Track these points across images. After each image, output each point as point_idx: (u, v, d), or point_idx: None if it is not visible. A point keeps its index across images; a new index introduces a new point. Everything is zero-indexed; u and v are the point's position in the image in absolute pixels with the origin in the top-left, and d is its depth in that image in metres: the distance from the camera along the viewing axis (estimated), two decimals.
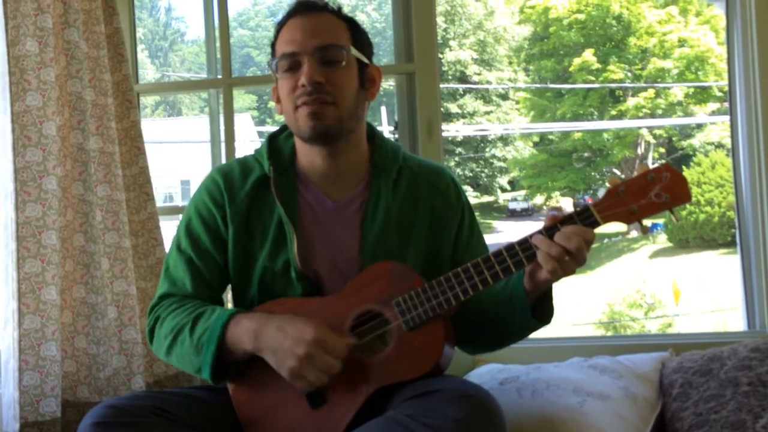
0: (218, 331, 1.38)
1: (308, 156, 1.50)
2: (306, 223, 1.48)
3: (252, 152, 1.58)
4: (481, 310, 1.47)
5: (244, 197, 1.50)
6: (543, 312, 1.40)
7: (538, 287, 1.36)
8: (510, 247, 1.34)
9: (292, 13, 1.48)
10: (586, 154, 19.46)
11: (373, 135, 1.56)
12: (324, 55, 1.42)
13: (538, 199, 21.89)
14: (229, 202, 1.50)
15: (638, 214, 1.30)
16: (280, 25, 1.49)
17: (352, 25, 1.49)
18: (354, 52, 1.46)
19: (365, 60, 1.49)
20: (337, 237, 1.48)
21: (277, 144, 1.56)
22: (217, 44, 2.20)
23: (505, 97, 22.58)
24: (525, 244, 1.33)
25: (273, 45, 1.50)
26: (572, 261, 1.29)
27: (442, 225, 1.52)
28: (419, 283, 1.38)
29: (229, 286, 1.56)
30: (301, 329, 1.32)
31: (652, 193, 1.29)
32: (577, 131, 18.95)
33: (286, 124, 1.56)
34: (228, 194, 1.50)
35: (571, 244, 1.28)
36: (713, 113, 18.40)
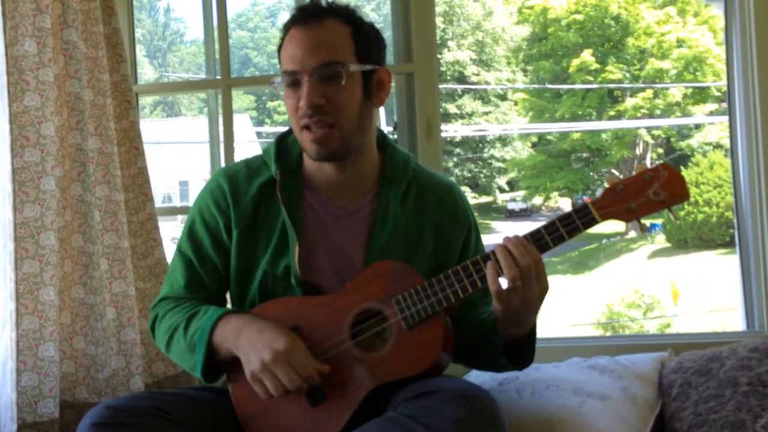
0: (208, 331, 1.39)
1: (316, 164, 1.49)
2: (310, 229, 1.48)
3: (259, 153, 1.57)
4: (468, 333, 1.48)
5: (249, 201, 1.49)
6: (517, 355, 1.42)
7: (502, 323, 1.36)
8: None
9: (294, 21, 1.43)
10: (584, 155, 19.47)
11: (385, 143, 1.54)
12: (323, 73, 1.39)
13: (537, 200, 21.90)
14: (234, 207, 1.49)
15: (637, 212, 1.31)
16: (284, 32, 1.45)
17: (356, 29, 1.43)
18: (354, 67, 1.41)
19: (370, 68, 1.44)
20: (341, 244, 1.48)
21: (286, 145, 1.55)
22: (216, 45, 2.20)
23: (503, 97, 22.59)
24: None
25: (279, 50, 1.46)
26: (522, 284, 1.29)
27: (447, 241, 1.52)
28: (419, 281, 1.38)
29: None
30: (276, 337, 1.33)
31: (650, 191, 1.30)
32: (576, 132, 18.96)
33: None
34: (233, 198, 1.50)
35: (517, 252, 1.29)
36: (711, 114, 18.41)
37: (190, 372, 1.46)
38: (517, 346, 1.41)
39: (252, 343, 1.34)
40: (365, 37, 1.45)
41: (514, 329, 1.37)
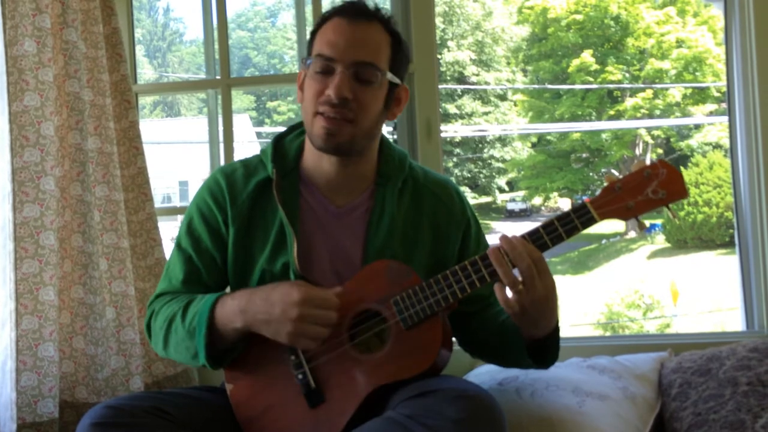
0: (207, 313, 1.38)
1: (316, 159, 1.49)
2: (307, 227, 1.48)
3: (257, 153, 1.57)
4: (486, 332, 1.49)
5: (246, 198, 1.49)
6: (541, 355, 1.41)
7: (521, 327, 1.36)
8: None
9: (340, 11, 1.44)
10: (584, 155, 19.48)
11: (381, 141, 1.55)
12: (359, 71, 1.40)
13: (537, 200, 21.91)
14: (231, 204, 1.49)
15: (635, 210, 1.30)
16: (325, 18, 1.45)
17: (395, 41, 1.46)
18: (389, 75, 1.43)
19: (397, 81, 1.46)
20: (339, 242, 1.48)
21: (282, 146, 1.55)
22: (216, 45, 2.20)
23: (503, 97, 22.60)
24: None
25: (313, 34, 1.46)
26: (524, 287, 1.29)
27: (445, 237, 1.52)
28: (417, 281, 1.38)
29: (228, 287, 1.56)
30: (287, 293, 1.33)
31: (649, 190, 1.30)
32: (576, 132, 18.96)
33: (293, 125, 1.57)
34: (230, 195, 1.50)
35: (515, 254, 1.28)
36: (711, 114, 18.42)
37: (192, 361, 1.44)
38: (541, 346, 1.41)
39: (268, 312, 1.33)
40: (400, 51, 1.47)
41: (535, 331, 1.36)
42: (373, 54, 1.41)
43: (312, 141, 1.45)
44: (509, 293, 1.30)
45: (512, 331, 1.41)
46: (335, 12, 1.44)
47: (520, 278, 1.29)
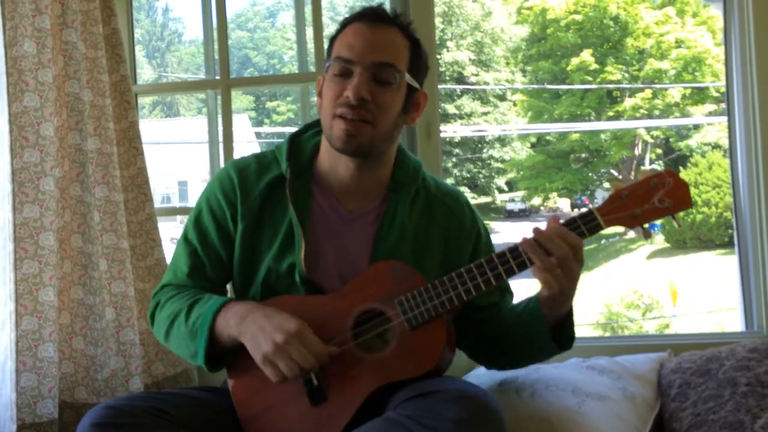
0: (210, 317, 1.39)
1: (332, 161, 1.50)
2: (317, 229, 1.49)
3: (272, 148, 1.57)
4: (502, 331, 1.49)
5: (258, 195, 1.50)
6: (563, 336, 1.42)
7: (551, 307, 1.37)
8: (513, 248, 1.36)
9: (360, 16, 1.45)
10: (583, 155, 19.48)
11: (397, 150, 1.55)
12: (377, 72, 1.41)
13: (536, 200, 21.91)
14: (242, 200, 1.50)
15: (641, 218, 1.32)
16: (345, 23, 1.47)
17: (414, 46, 1.47)
18: (407, 78, 1.44)
19: (416, 85, 1.48)
20: (347, 246, 1.48)
21: (298, 144, 1.55)
22: (215, 45, 2.19)
23: (502, 98, 22.60)
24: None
25: (332, 40, 1.47)
26: (562, 270, 1.30)
27: (456, 249, 1.53)
28: (421, 282, 1.39)
29: (231, 284, 1.57)
30: (287, 320, 1.34)
31: (655, 198, 1.32)
32: (575, 132, 18.96)
33: (309, 124, 1.58)
34: (241, 191, 1.50)
35: (552, 245, 1.29)
36: (710, 114, 18.43)
37: (190, 360, 1.45)
38: (561, 327, 1.42)
39: (261, 327, 1.34)
40: (419, 56, 1.49)
41: (564, 307, 1.38)
42: (392, 56, 1.42)
43: (331, 143, 1.45)
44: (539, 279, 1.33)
45: (533, 319, 1.42)
46: (355, 17, 1.46)
47: (555, 262, 1.30)
